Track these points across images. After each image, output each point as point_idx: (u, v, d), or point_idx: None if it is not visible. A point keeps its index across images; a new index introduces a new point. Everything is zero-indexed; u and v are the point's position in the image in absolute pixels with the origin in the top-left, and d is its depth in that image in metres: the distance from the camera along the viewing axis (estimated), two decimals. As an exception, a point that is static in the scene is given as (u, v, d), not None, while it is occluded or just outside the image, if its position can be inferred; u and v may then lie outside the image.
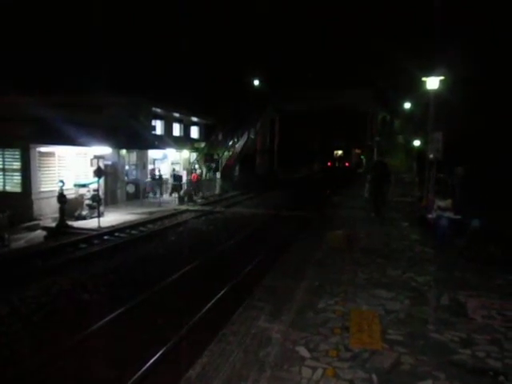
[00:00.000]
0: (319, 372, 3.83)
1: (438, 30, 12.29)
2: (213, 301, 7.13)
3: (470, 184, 8.62)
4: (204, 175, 24.75)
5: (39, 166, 14.89)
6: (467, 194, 8.55)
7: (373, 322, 4.90)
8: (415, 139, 25.37)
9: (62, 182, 13.69)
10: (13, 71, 23.73)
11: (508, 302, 5.58)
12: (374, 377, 3.74)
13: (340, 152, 67.66)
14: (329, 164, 63.10)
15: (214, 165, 25.79)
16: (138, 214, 16.37)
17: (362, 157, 52.72)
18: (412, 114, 29.33)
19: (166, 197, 21.41)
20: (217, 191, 25.41)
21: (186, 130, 29.49)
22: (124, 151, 20.17)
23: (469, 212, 8.22)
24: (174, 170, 22.99)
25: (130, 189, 20.39)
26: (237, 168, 30.23)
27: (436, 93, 12.44)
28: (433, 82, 12.23)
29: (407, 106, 30.34)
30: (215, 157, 26.65)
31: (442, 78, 12.17)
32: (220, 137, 30.10)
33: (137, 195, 20.34)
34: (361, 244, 9.19)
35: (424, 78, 12.43)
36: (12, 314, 6.74)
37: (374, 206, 13.23)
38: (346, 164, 63.26)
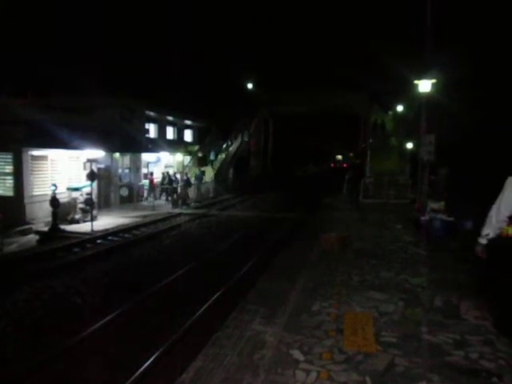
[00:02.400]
0: (313, 375, 3.81)
1: (431, 34, 12.37)
2: (208, 302, 7.12)
3: (454, 183, 8.71)
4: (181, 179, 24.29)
5: (32, 170, 14.77)
6: (452, 192, 8.62)
7: (367, 324, 4.90)
8: (408, 141, 25.49)
9: (54, 185, 13.61)
10: (3, 73, 23.56)
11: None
12: (368, 379, 3.74)
13: (340, 157, 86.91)
14: (332, 165, 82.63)
15: (203, 168, 25.65)
16: (131, 217, 16.29)
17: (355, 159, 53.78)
18: (405, 116, 29.44)
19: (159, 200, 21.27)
20: (211, 194, 25.36)
21: (180, 133, 29.43)
22: (117, 154, 20.06)
23: (461, 213, 8.28)
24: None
25: (124, 192, 20.29)
26: (231, 171, 30.19)
27: (428, 95, 12.52)
28: (425, 85, 12.30)
29: (400, 108, 30.50)
30: (207, 166, 26.47)
31: (433, 80, 12.25)
32: (214, 140, 30.03)
33: (130, 198, 20.24)
34: (354, 246, 9.20)
35: (416, 81, 12.51)
36: (4, 317, 6.69)
37: (350, 198, 17.30)
38: (344, 165, 76.69)
